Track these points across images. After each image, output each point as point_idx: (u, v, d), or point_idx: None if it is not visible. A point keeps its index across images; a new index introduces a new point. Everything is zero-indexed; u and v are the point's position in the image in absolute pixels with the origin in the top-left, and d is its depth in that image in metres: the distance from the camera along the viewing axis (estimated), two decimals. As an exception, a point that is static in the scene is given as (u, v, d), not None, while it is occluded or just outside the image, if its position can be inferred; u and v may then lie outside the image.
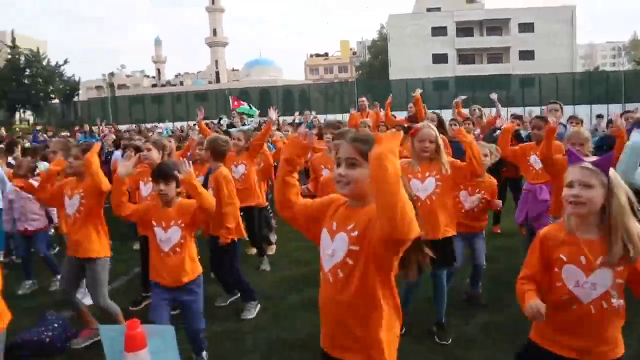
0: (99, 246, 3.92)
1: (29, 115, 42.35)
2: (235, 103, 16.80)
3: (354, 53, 79.05)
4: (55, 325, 3.90)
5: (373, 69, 55.62)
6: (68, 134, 17.06)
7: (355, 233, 1.83)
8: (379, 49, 56.30)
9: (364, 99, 9.69)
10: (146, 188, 4.60)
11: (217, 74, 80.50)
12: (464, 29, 50.34)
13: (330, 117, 25.30)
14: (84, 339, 3.91)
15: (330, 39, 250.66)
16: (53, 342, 3.76)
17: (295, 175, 2.12)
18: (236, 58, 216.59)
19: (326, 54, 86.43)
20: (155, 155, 4.32)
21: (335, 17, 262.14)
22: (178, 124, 16.49)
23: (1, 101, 38.93)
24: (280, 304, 4.71)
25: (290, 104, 35.36)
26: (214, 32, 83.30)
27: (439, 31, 49.36)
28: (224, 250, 4.32)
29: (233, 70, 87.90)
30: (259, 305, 4.54)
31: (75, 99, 43.64)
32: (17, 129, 23.80)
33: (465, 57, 50.41)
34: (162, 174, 3.25)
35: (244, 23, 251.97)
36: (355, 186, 1.84)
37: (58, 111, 41.33)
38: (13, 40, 41.47)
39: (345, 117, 29.39)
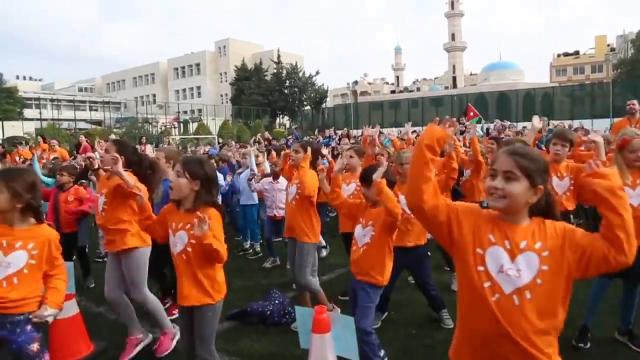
0: (311, 232, 4.41)
1: (285, 120, 49.26)
2: (472, 114, 15.59)
3: (612, 50, 68.19)
4: (276, 302, 4.62)
5: (636, 66, 47.06)
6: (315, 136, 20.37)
7: (546, 253, 1.76)
8: (646, 42, 47.14)
9: (634, 101, 7.79)
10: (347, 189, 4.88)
11: (454, 79, 79.60)
12: None
13: (577, 123, 22.52)
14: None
15: (582, 34, 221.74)
16: (272, 315, 4.46)
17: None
18: (475, 62, 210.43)
19: (576, 53, 76.59)
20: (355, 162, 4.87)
21: (589, 11, 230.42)
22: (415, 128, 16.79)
23: (267, 108, 46.54)
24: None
25: (530, 109, 32.74)
26: (452, 37, 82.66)
27: None
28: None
29: (471, 74, 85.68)
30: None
31: (323, 105, 49.07)
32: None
33: None
34: (361, 178, 3.55)
35: (484, 26, 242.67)
36: (511, 201, 1.78)
37: (309, 116, 47.04)
38: (278, 57, 48.97)
39: (597, 123, 25.80)
